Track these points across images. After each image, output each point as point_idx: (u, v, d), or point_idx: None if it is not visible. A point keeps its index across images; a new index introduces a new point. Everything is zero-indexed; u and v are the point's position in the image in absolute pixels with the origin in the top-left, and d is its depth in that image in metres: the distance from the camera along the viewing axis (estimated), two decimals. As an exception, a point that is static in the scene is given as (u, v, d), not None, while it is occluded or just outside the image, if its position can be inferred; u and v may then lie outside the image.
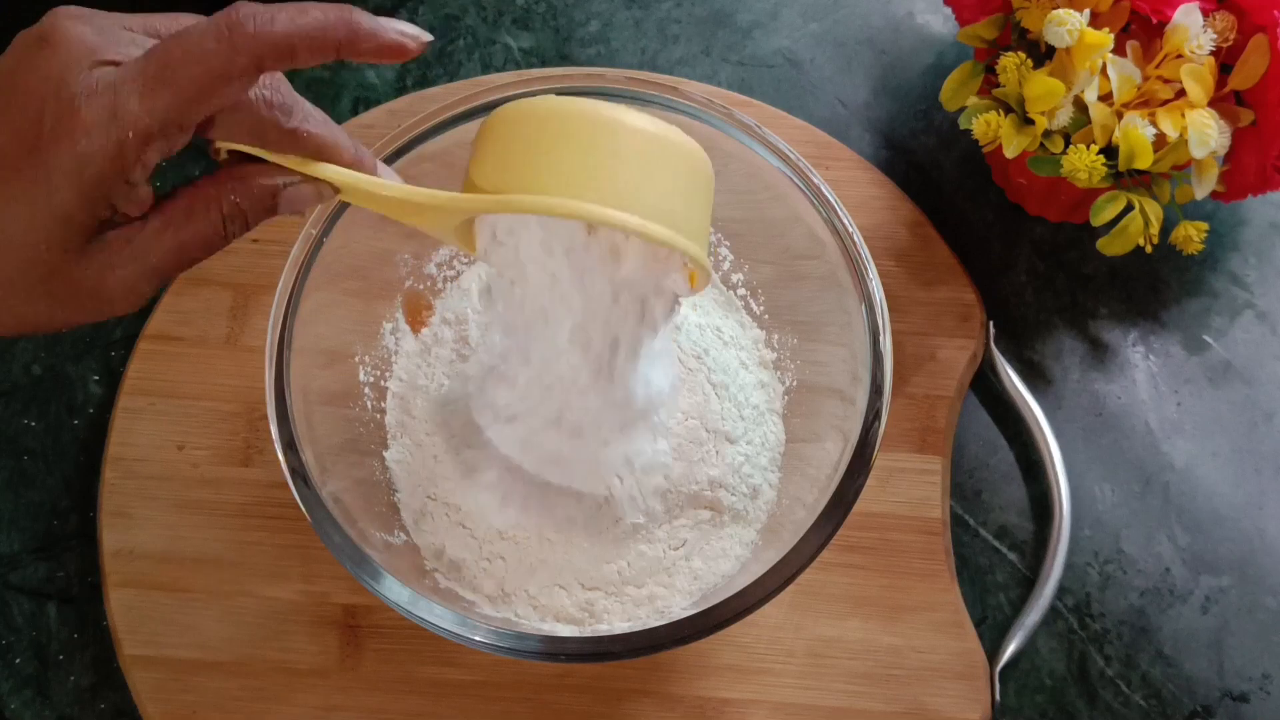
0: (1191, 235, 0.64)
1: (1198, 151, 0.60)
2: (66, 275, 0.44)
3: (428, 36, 0.44)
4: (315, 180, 0.46)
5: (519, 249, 0.51)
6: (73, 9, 0.44)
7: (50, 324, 0.46)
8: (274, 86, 0.45)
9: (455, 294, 0.66)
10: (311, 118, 0.46)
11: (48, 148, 0.42)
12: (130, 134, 0.42)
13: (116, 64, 0.42)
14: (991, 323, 0.69)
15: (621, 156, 0.47)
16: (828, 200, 0.59)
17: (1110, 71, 0.61)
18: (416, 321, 0.65)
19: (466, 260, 0.66)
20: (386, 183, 0.48)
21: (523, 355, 0.55)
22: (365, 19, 0.43)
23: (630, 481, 0.58)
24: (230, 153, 0.45)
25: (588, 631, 0.58)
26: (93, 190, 0.42)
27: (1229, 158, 0.64)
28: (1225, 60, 0.62)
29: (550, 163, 0.46)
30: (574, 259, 0.51)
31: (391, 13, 0.77)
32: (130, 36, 0.43)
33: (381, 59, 0.44)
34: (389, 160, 0.58)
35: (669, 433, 0.59)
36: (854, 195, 0.70)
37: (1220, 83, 0.62)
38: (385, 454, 0.62)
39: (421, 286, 0.65)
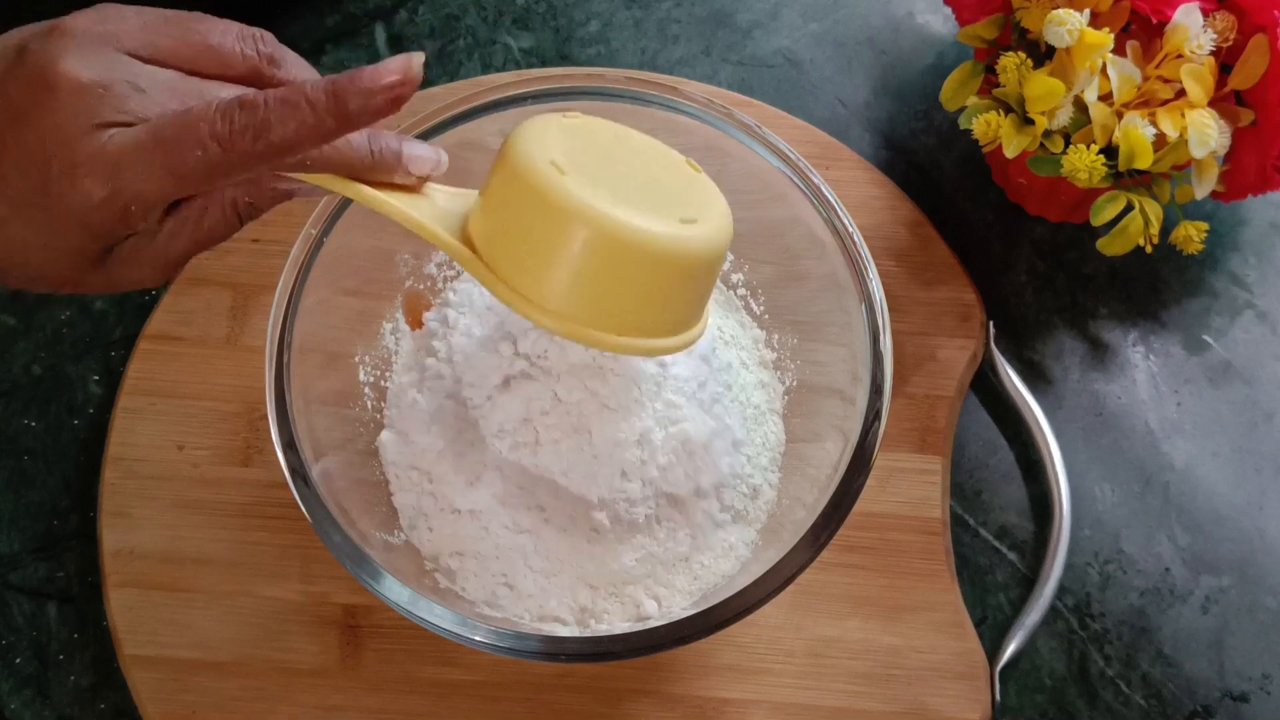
0: (1191, 235, 0.64)
1: (1198, 151, 0.60)
2: (86, 281, 0.46)
3: (419, 59, 0.43)
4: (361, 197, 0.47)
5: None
6: (80, 20, 0.44)
7: (88, 293, 0.48)
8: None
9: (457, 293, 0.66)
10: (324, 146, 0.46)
11: (55, 194, 0.43)
12: (133, 206, 0.43)
13: (121, 124, 0.43)
14: (991, 323, 0.69)
15: (634, 282, 0.47)
16: (828, 200, 0.59)
17: (1110, 71, 0.61)
18: (416, 321, 0.65)
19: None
20: (397, 207, 0.47)
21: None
22: (353, 89, 0.42)
23: (635, 481, 0.58)
24: None
25: (588, 631, 0.58)
26: (99, 237, 0.44)
27: (1229, 158, 0.64)
28: (1225, 60, 0.62)
29: (572, 281, 0.46)
30: None
31: (391, 13, 0.77)
32: (137, 73, 0.43)
33: (392, 109, 0.43)
34: None
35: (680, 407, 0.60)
36: (854, 195, 0.70)
37: (1220, 83, 0.62)
38: (385, 454, 0.62)
39: (421, 286, 0.65)
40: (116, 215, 0.43)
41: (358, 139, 0.46)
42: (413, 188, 0.49)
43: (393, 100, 0.43)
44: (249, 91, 0.43)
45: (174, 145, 0.42)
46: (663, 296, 0.48)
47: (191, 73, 0.45)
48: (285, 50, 0.47)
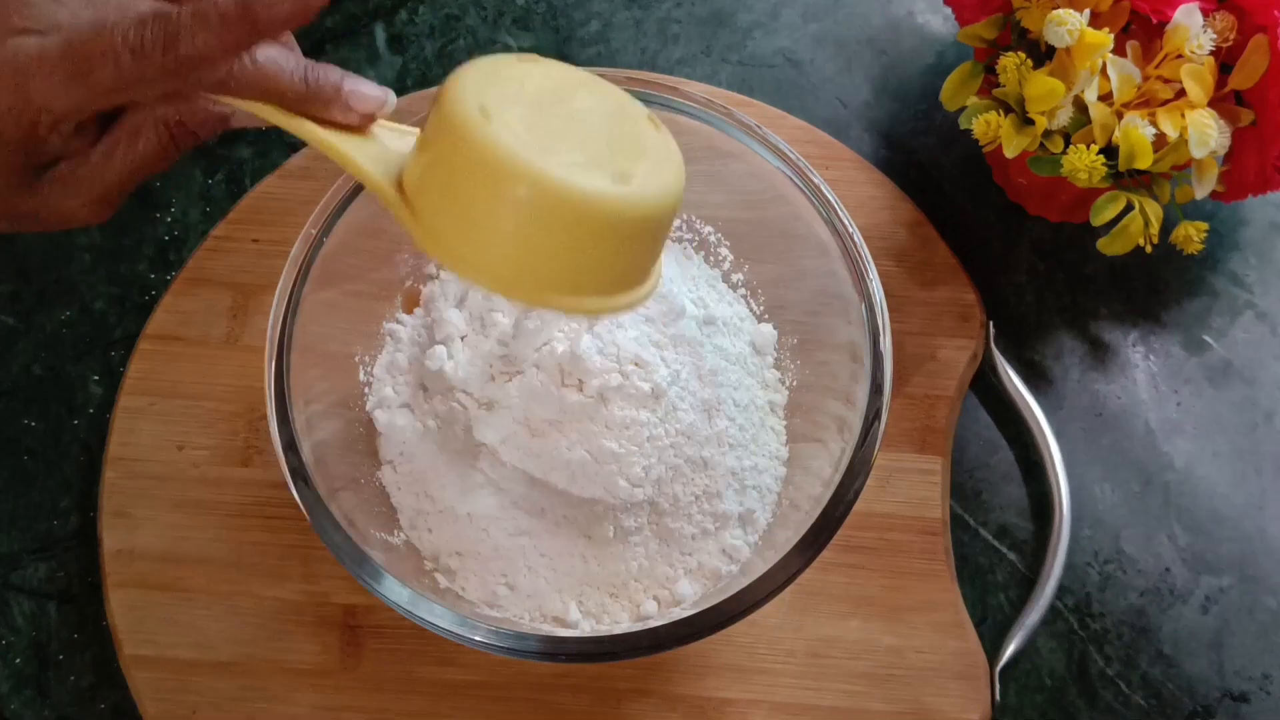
0: (1191, 235, 0.64)
1: (1198, 151, 0.60)
2: (21, 208, 0.44)
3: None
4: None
5: None
6: None
7: (20, 231, 0.46)
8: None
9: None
10: (250, 62, 0.44)
11: None
12: (42, 117, 0.42)
13: (34, 31, 0.42)
14: (991, 323, 0.69)
15: (560, 238, 0.44)
16: (828, 200, 0.59)
17: (1110, 71, 0.61)
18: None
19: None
20: (327, 140, 0.45)
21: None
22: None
23: (634, 481, 0.58)
24: None
25: (588, 631, 0.58)
26: (13, 152, 0.43)
27: (1229, 158, 0.64)
28: (1225, 60, 0.62)
29: (493, 234, 0.43)
30: None
31: (391, 13, 0.77)
32: None
33: (301, 18, 0.41)
34: None
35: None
36: (854, 195, 0.70)
37: (1220, 83, 0.62)
38: (384, 455, 0.62)
39: (422, 286, 0.65)
40: (25, 127, 0.42)
41: (291, 65, 0.44)
42: (355, 127, 0.46)
43: (301, 8, 0.41)
44: (167, 4, 0.42)
45: (85, 55, 0.41)
46: (593, 255, 0.45)
47: None
48: None
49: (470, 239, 0.44)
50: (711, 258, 0.66)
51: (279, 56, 0.44)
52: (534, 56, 0.48)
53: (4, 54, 0.41)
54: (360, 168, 0.46)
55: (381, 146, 0.47)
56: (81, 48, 0.41)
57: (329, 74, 0.45)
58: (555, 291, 0.45)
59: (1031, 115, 0.62)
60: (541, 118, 0.45)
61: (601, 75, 0.57)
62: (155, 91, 0.42)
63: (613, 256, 0.46)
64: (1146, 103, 0.62)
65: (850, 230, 0.59)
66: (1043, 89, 0.61)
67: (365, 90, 0.46)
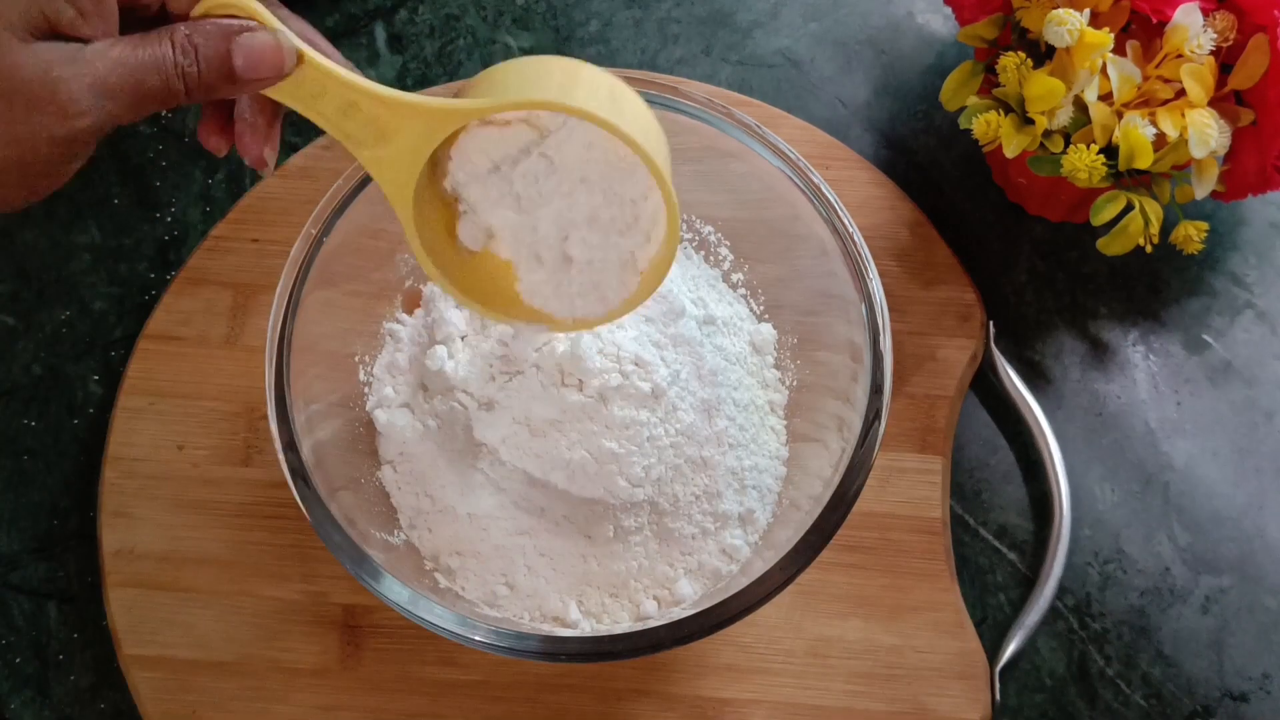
0: (1191, 235, 0.64)
1: (1198, 151, 0.60)
2: (12, 65, 0.43)
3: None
4: (273, 31, 0.45)
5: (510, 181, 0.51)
6: None
7: (10, 149, 0.44)
8: None
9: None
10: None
11: None
12: None
13: None
14: (991, 323, 0.69)
15: (600, 86, 0.47)
16: (828, 200, 0.59)
17: (1110, 71, 0.61)
18: (416, 321, 0.65)
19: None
20: (352, 75, 0.46)
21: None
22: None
23: (634, 481, 0.58)
24: None
25: (588, 631, 0.58)
26: None
27: (1229, 157, 0.64)
28: (1225, 60, 0.62)
29: (534, 78, 0.47)
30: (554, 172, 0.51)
31: (391, 13, 0.77)
32: None
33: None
34: None
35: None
36: (854, 195, 0.70)
37: (1220, 82, 0.62)
38: (383, 456, 0.62)
39: (422, 286, 0.65)
40: None
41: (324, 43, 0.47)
42: None
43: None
44: None
45: None
46: (651, 124, 0.49)
47: None
48: None
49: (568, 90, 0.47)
50: (711, 258, 0.66)
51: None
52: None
53: None
54: (433, 101, 0.47)
55: None
56: None
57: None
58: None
59: (1031, 115, 0.62)
60: None
61: None
62: None
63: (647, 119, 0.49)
64: (1146, 102, 0.62)
65: (850, 230, 0.59)
66: (1043, 89, 0.61)
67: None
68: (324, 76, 0.46)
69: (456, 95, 0.48)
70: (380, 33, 0.76)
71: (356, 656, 0.62)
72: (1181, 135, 0.60)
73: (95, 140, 0.44)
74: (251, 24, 0.45)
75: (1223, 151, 0.62)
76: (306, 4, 0.76)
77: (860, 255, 0.59)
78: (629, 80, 0.60)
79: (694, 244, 0.66)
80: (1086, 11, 0.61)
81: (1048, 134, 0.62)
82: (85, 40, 0.44)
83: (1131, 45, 0.62)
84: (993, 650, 0.64)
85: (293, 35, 0.46)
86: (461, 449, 0.60)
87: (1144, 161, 0.60)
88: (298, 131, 0.71)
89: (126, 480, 0.65)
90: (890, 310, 0.58)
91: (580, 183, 0.50)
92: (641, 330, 0.59)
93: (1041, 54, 0.63)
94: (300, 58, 0.46)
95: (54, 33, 0.43)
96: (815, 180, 0.60)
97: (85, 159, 0.46)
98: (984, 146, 0.63)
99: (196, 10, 0.45)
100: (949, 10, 0.72)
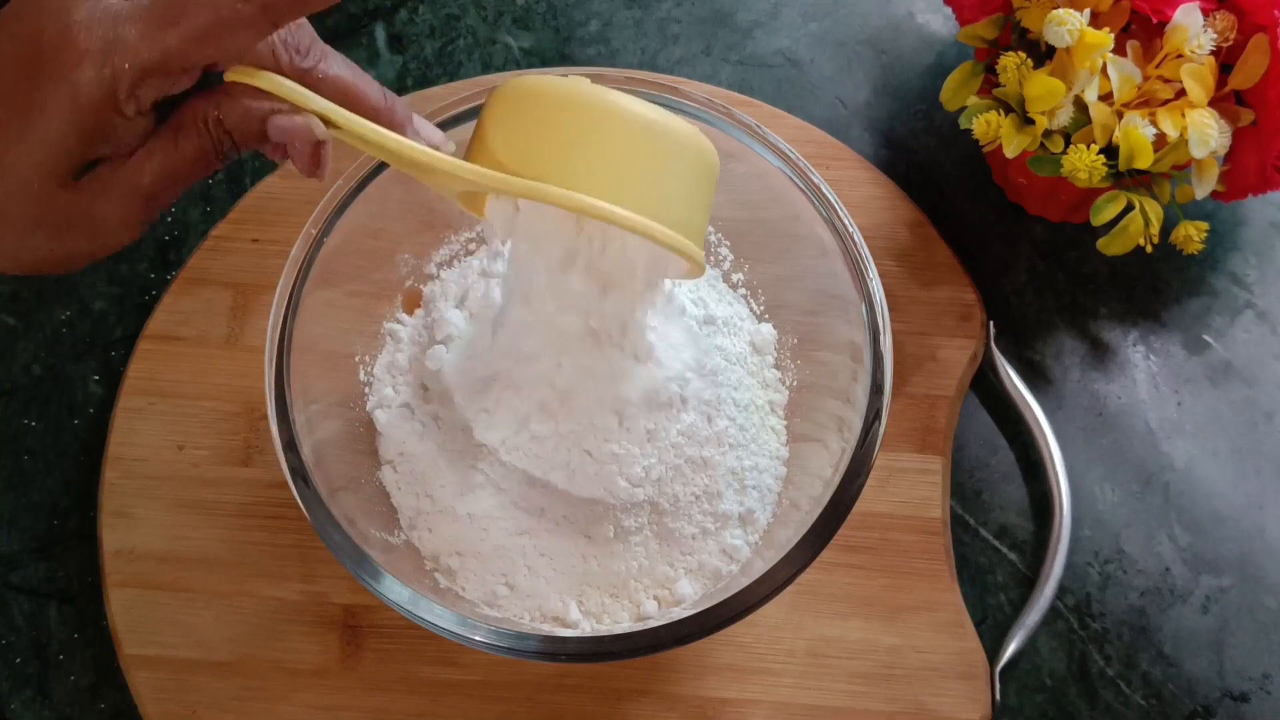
0: (1191, 235, 0.64)
1: (1198, 151, 0.60)
2: (59, 204, 0.44)
3: None
4: (303, 112, 0.45)
5: (534, 224, 0.52)
6: None
7: (50, 259, 0.45)
8: (289, 28, 0.44)
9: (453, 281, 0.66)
10: (331, 60, 0.46)
11: (43, 76, 0.41)
12: (126, 65, 0.41)
13: None
14: (991, 323, 0.69)
15: (642, 155, 0.48)
16: (828, 200, 0.59)
17: (1110, 71, 0.61)
18: (416, 321, 0.65)
19: (465, 261, 0.66)
20: (383, 131, 0.47)
21: (529, 355, 0.56)
22: None
23: (634, 481, 0.58)
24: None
25: (588, 631, 0.58)
26: (86, 119, 0.42)
27: (1229, 157, 0.64)
28: (1225, 60, 0.62)
29: (579, 155, 0.47)
30: (573, 256, 0.52)
31: (391, 13, 0.77)
32: None
33: None
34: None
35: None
36: (854, 195, 0.70)
37: (1220, 82, 0.62)
38: (383, 456, 0.62)
39: (422, 286, 0.65)
40: (107, 82, 0.41)
41: (372, 85, 0.47)
42: None
43: None
44: None
45: (184, 1, 0.41)
46: (690, 188, 0.50)
47: None
48: None
49: (598, 178, 0.47)
50: (712, 258, 0.66)
51: (361, 75, 0.47)
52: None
53: (94, 8, 0.41)
54: (453, 162, 0.47)
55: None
56: None
57: (404, 103, 0.48)
58: (667, 224, 0.48)
59: (1031, 115, 0.62)
60: None
61: (601, 76, 0.57)
62: (247, 40, 0.42)
63: (696, 194, 0.50)
64: (1146, 103, 0.62)
65: (850, 230, 0.59)
66: (1043, 89, 0.61)
67: (430, 131, 0.49)
68: (356, 140, 0.47)
69: (481, 111, 0.49)
70: (380, 33, 0.76)
71: (357, 656, 0.62)
72: (1181, 135, 0.60)
73: (102, 105, 0.44)
74: (281, 106, 0.45)
75: (1223, 151, 0.62)
76: (306, 4, 0.76)
77: (860, 255, 0.59)
78: (629, 80, 0.60)
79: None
80: (1086, 11, 0.61)
81: (1048, 134, 0.62)
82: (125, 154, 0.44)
83: (1131, 45, 0.62)
84: (993, 650, 0.64)
85: (322, 105, 0.45)
86: (461, 449, 0.60)
87: (1144, 161, 0.60)
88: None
89: (126, 480, 0.65)
90: (890, 310, 0.58)
91: None
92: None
93: (1041, 54, 0.63)
94: (329, 122, 0.46)
95: (98, 163, 0.44)
96: (815, 180, 0.60)
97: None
98: (984, 146, 0.63)
99: (228, 76, 0.45)
100: (949, 10, 0.72)
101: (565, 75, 0.50)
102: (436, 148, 0.48)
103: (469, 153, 0.49)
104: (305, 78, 0.45)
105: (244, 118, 0.45)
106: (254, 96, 0.45)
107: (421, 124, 0.49)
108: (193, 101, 0.45)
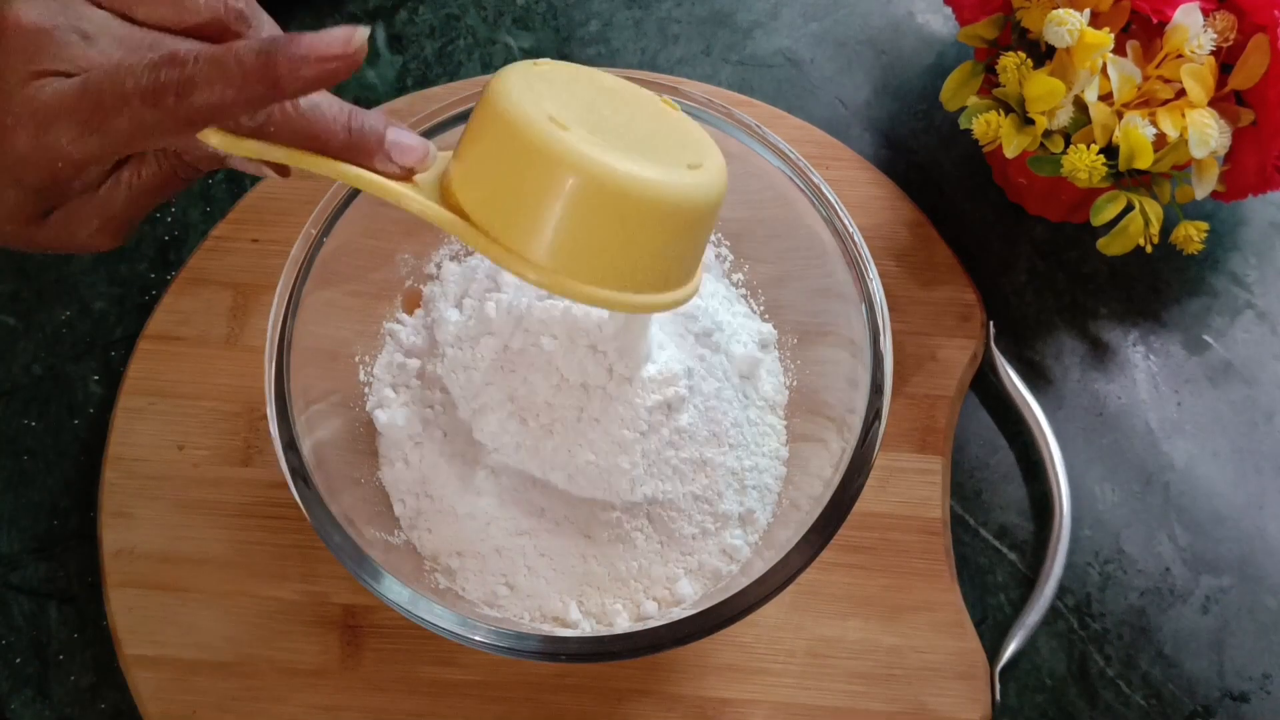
0: (1192, 235, 0.64)
1: (1198, 151, 0.60)
2: (32, 238, 0.44)
3: (363, 34, 0.40)
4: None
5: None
6: None
7: (40, 251, 0.46)
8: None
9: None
10: (293, 109, 0.43)
11: None
12: (60, 164, 0.41)
13: (62, 74, 0.41)
14: (991, 323, 0.69)
15: (611, 223, 0.45)
16: (828, 200, 0.59)
17: (1110, 71, 0.61)
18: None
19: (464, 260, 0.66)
20: (346, 169, 0.44)
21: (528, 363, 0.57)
22: (285, 55, 0.39)
23: (634, 481, 0.58)
24: None
25: (588, 631, 0.58)
26: (34, 194, 0.43)
27: (1229, 157, 0.64)
28: (1225, 60, 0.62)
29: (546, 222, 0.44)
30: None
31: (392, 13, 0.77)
32: (87, 19, 0.42)
33: (326, 82, 0.40)
34: None
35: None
36: (854, 195, 0.70)
37: (1220, 82, 0.62)
38: (383, 456, 0.62)
39: (422, 286, 0.65)
40: (46, 173, 0.41)
41: (334, 111, 0.44)
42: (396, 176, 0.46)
43: (328, 74, 0.40)
44: (184, 46, 0.41)
45: (99, 103, 0.40)
46: (676, 249, 0.47)
47: (151, 25, 0.43)
48: (258, 9, 0.44)
49: (562, 251, 0.45)
50: (712, 258, 0.66)
51: (323, 102, 0.44)
52: (546, 61, 0.49)
53: (29, 97, 0.40)
54: (422, 204, 0.45)
55: (419, 176, 0.47)
56: (96, 95, 0.40)
57: (373, 121, 0.45)
58: (642, 290, 0.47)
59: (1031, 115, 0.62)
60: (597, 120, 0.46)
61: None
62: (175, 139, 0.42)
63: (691, 245, 0.48)
64: (1146, 103, 0.62)
65: (850, 230, 0.59)
66: (1043, 89, 0.61)
67: (408, 142, 0.45)
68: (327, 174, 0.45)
69: (468, 118, 0.47)
70: (380, 33, 0.76)
71: (356, 656, 0.62)
72: (1181, 135, 0.60)
73: (47, 182, 0.44)
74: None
75: (1223, 151, 0.62)
76: (307, 4, 0.76)
77: (860, 255, 0.59)
78: (629, 80, 0.60)
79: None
80: (1086, 11, 0.61)
81: (1048, 134, 0.62)
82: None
83: (1131, 45, 0.62)
84: (993, 650, 0.64)
85: (278, 154, 0.44)
86: (461, 449, 0.60)
87: (1144, 161, 0.60)
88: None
89: (126, 480, 0.65)
90: (890, 310, 0.58)
91: None
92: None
93: (1041, 54, 0.63)
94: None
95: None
96: (815, 180, 0.60)
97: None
98: (984, 146, 0.63)
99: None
100: (949, 10, 0.72)
101: (543, 63, 0.48)
102: (419, 162, 0.46)
103: (449, 170, 0.47)
104: (260, 132, 0.43)
105: (197, 145, 0.45)
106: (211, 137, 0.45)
107: (398, 140, 0.45)
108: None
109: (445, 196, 0.46)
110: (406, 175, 0.46)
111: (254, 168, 0.47)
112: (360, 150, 0.45)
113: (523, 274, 0.45)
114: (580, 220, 0.45)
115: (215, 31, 0.43)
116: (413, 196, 0.46)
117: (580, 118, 0.45)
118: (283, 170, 0.47)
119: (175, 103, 0.40)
